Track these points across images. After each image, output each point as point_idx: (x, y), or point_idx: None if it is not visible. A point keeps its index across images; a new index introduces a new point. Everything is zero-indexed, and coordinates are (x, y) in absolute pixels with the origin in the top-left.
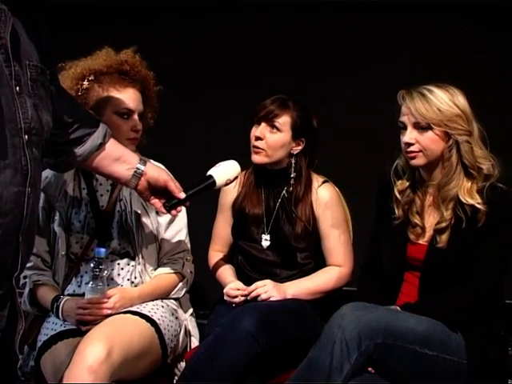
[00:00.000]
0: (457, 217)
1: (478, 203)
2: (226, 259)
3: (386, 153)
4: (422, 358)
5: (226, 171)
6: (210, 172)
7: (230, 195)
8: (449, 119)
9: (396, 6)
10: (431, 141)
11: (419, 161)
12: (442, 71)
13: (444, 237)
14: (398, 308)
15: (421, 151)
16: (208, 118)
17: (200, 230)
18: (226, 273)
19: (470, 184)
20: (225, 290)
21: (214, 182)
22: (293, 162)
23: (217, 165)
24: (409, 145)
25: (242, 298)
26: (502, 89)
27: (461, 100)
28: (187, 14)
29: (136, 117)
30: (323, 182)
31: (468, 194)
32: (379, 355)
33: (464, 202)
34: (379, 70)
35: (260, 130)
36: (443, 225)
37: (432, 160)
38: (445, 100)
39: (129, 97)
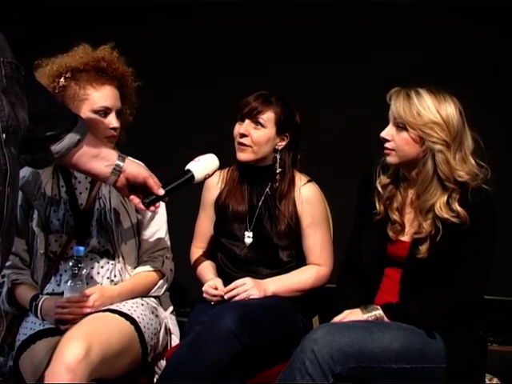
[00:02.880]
0: (436, 228)
1: (455, 216)
2: (208, 256)
3: (370, 151)
4: (399, 372)
5: (204, 166)
6: (189, 166)
7: (212, 192)
8: (425, 124)
9: (382, 2)
10: (405, 141)
11: (392, 159)
12: (431, 68)
13: (424, 247)
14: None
15: (394, 150)
16: (191, 115)
17: (180, 228)
18: (207, 270)
19: (446, 197)
20: (203, 288)
21: (193, 176)
22: (278, 157)
23: (195, 159)
24: (385, 140)
25: (220, 299)
26: (497, 87)
27: (448, 109)
28: (171, 13)
29: (113, 114)
30: (307, 182)
31: (444, 208)
32: (355, 377)
33: (440, 216)
34: (366, 67)
35: (244, 126)
36: (422, 236)
37: (406, 161)
38: (428, 105)
39: (106, 94)
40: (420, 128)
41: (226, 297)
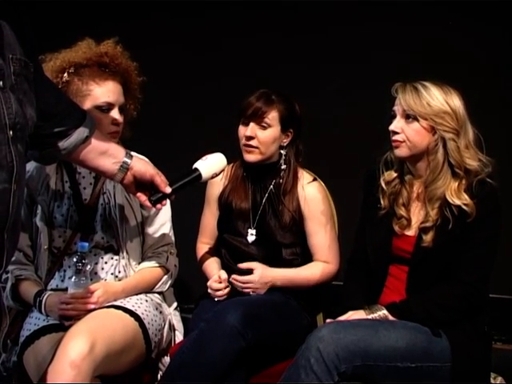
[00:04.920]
0: (443, 216)
1: (465, 204)
2: (213, 252)
3: (372, 149)
4: (404, 371)
5: (212, 164)
6: (196, 165)
7: (216, 188)
8: (436, 114)
9: (382, 2)
10: (416, 132)
11: (402, 151)
12: (431, 68)
13: (429, 236)
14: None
15: (404, 141)
16: (196, 111)
17: (184, 224)
18: (212, 266)
19: (457, 184)
20: (208, 283)
21: (200, 175)
22: (283, 153)
23: (203, 157)
24: (394, 133)
25: (226, 291)
26: (497, 87)
27: (454, 100)
28: (173, 12)
29: (116, 110)
30: (312, 180)
31: (455, 194)
32: (360, 376)
33: (451, 202)
34: (366, 67)
35: (250, 129)
36: (428, 224)
37: (416, 153)
38: (437, 96)
39: (108, 90)
40: (431, 117)
41: (231, 279)
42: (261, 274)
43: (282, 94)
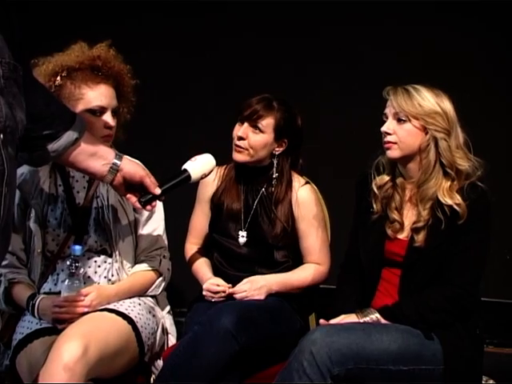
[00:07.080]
0: (434, 216)
1: (457, 204)
2: (203, 252)
3: (367, 152)
4: (397, 375)
5: (201, 165)
6: (185, 166)
7: (208, 188)
8: (427, 114)
9: (382, 2)
10: (408, 133)
11: (394, 153)
12: (431, 68)
13: (421, 236)
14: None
15: (396, 143)
16: (189, 113)
17: (177, 227)
18: (204, 268)
19: (448, 184)
20: (205, 286)
21: (189, 176)
22: (275, 162)
23: (192, 158)
24: (386, 134)
25: (223, 294)
26: (497, 87)
27: (445, 103)
28: (173, 13)
29: (109, 113)
30: (304, 184)
31: (447, 194)
32: (353, 379)
33: (443, 202)
34: (366, 67)
35: (243, 129)
36: (420, 224)
37: (408, 154)
38: (428, 98)
39: (101, 94)
40: (423, 117)
41: (227, 292)
42: (249, 280)
43: (285, 104)
